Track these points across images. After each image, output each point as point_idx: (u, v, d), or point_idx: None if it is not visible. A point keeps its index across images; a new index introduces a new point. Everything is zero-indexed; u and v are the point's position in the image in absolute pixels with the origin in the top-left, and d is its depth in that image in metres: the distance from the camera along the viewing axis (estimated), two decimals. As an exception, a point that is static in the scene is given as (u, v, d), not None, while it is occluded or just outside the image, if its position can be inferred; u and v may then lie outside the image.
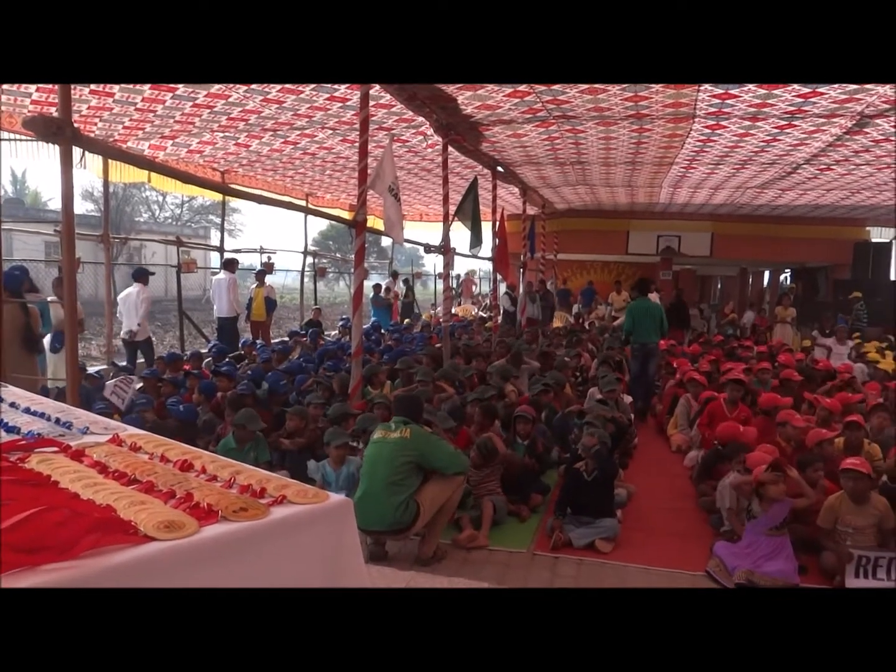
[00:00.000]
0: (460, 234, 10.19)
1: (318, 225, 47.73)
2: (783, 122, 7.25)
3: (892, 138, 7.68)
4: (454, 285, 20.13)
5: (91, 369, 7.51)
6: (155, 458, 2.16)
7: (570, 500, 4.74)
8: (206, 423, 5.97)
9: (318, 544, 1.85)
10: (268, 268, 12.81)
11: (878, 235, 16.70)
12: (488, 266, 13.59)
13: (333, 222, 17.32)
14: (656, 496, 5.60)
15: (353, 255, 6.34)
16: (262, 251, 13.74)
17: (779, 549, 4.07)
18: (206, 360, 8.55)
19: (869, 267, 15.74)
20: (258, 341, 10.51)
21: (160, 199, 39.34)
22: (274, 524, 1.75)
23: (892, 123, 7.05)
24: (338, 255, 29.85)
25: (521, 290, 14.16)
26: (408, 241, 10.45)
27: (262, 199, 6.63)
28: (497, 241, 10.94)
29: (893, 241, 16.44)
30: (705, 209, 15.67)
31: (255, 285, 12.00)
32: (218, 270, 11.72)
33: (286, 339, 11.16)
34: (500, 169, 10.65)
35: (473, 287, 23.09)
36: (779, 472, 4.18)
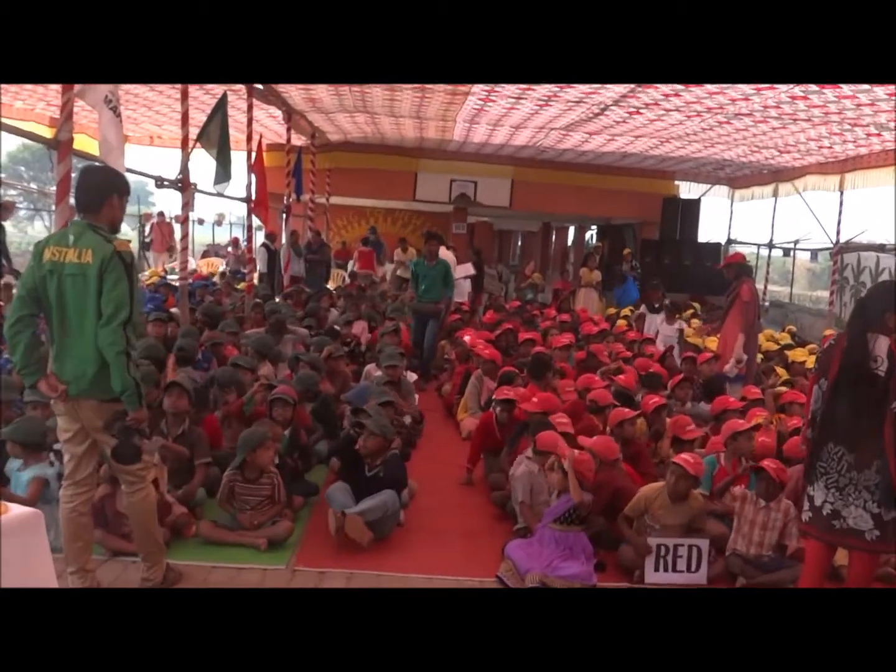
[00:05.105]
0: (204, 166, 9.78)
1: (5, 144, 43.44)
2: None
3: (705, 86, 8.57)
4: (144, 231, 18.70)
5: None
6: None
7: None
8: None
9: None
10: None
11: (686, 191, 18.69)
12: (241, 209, 13.21)
13: (26, 140, 15.78)
14: (443, 492, 5.88)
15: (54, 188, 5.87)
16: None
17: (573, 548, 4.37)
18: None
19: (677, 226, 17.56)
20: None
21: None
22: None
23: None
24: (33, 185, 27.47)
25: (283, 240, 13.96)
26: (130, 171, 9.80)
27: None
28: (253, 177, 10.68)
29: (702, 199, 18.45)
30: (505, 151, 16.47)
31: None
32: None
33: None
34: (258, 85, 10.34)
35: (170, 235, 18.89)
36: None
